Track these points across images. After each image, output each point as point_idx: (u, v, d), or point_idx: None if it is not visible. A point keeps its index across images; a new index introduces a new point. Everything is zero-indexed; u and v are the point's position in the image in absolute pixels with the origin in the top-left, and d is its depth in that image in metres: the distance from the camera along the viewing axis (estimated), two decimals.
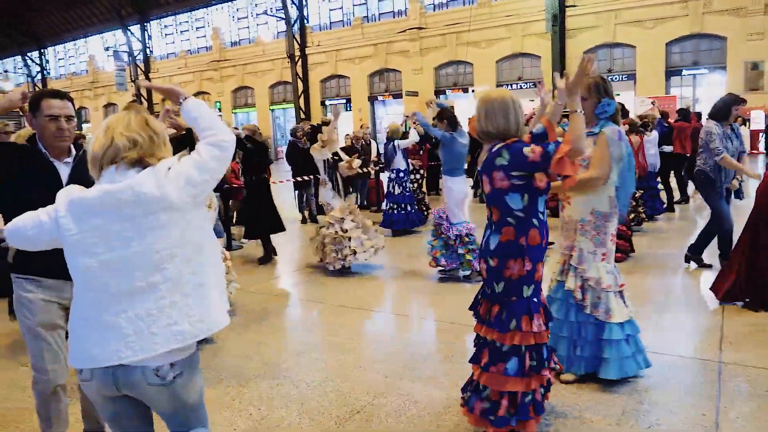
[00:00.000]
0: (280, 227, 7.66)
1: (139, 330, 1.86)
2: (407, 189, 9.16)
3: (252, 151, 7.48)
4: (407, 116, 11.94)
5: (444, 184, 6.13)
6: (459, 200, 6.00)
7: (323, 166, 6.78)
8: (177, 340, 1.88)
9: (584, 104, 3.36)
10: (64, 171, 2.68)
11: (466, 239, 5.96)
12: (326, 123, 12.14)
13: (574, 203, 3.45)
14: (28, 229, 1.97)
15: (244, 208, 7.99)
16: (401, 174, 9.18)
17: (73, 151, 2.76)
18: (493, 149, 2.70)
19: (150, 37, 37.26)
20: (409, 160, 9.33)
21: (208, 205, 4.63)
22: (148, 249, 1.86)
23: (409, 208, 9.08)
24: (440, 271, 6.21)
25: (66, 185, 2.22)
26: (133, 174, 1.88)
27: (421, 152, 9.83)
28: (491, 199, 2.75)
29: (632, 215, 7.99)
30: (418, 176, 10.03)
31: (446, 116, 6.26)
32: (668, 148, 9.99)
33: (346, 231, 6.55)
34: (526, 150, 2.58)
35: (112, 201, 1.84)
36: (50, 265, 2.43)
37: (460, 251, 5.97)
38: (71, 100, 2.73)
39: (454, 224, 6.00)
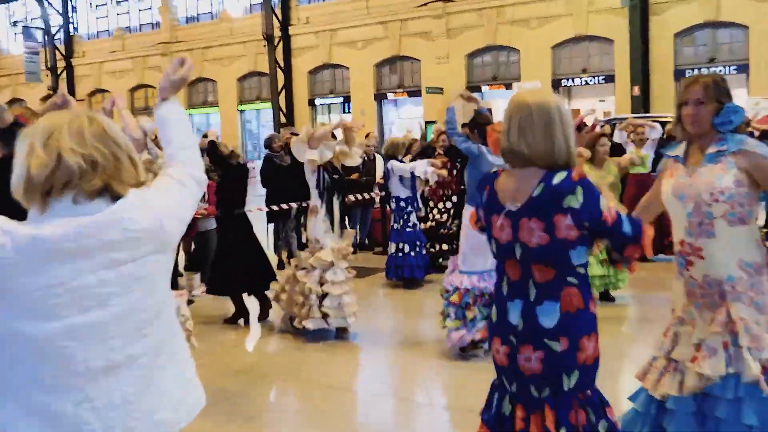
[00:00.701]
0: (269, 279, 7.73)
1: (110, 426, 1.84)
2: (409, 223, 9.28)
3: (231, 173, 7.67)
4: (426, 122, 12.06)
5: (463, 217, 6.21)
6: (477, 243, 5.74)
7: (317, 183, 6.87)
8: None
9: (698, 111, 3.26)
10: None
11: (477, 297, 5.96)
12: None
13: (710, 256, 3.28)
14: None
15: (217, 251, 8.03)
16: (401, 203, 9.38)
17: None
18: (553, 180, 2.59)
19: (75, 9, 38.16)
20: (425, 178, 9.29)
21: None
22: (135, 307, 1.89)
23: (408, 248, 9.18)
24: (460, 348, 6.17)
25: None
26: (100, 207, 1.86)
27: (454, 171, 9.88)
28: (543, 253, 2.62)
29: None
30: (448, 205, 10.10)
31: (478, 123, 6.37)
32: None
33: (325, 284, 6.66)
34: (603, 204, 2.58)
35: (93, 243, 1.82)
36: None
37: (469, 314, 5.98)
38: None
39: (463, 272, 6.06)
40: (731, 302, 3.25)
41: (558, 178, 2.57)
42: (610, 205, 2.61)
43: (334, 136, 7.40)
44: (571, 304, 2.61)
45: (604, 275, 7.35)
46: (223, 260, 7.68)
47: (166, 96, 2.34)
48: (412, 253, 9.23)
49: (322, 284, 6.71)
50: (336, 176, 7.01)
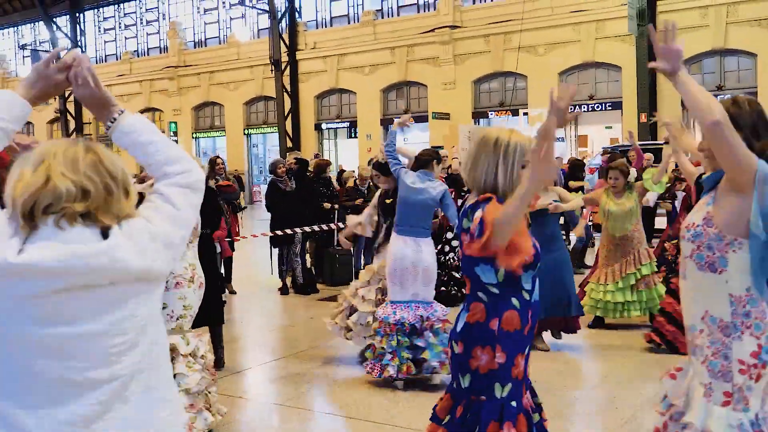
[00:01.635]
0: (220, 313, 6.85)
1: None
2: None
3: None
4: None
5: (391, 246, 6.31)
6: (392, 272, 6.15)
7: (379, 207, 6.92)
8: None
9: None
10: None
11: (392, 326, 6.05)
12: (327, 162, 12.42)
13: (683, 298, 2.98)
14: None
15: None
16: None
17: None
18: (466, 204, 2.99)
19: (83, 33, 38.63)
20: None
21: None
22: (105, 332, 1.86)
23: None
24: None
25: None
26: (83, 234, 1.84)
27: (458, 201, 9.96)
28: (462, 266, 3.06)
29: None
30: (449, 235, 10.10)
31: (420, 156, 6.49)
32: None
33: (355, 297, 6.73)
34: (477, 215, 2.83)
35: (81, 269, 1.81)
36: None
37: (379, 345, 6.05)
38: None
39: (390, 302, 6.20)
40: (690, 354, 2.92)
41: (468, 202, 3.00)
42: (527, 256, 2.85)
43: None
44: (473, 317, 2.98)
45: (631, 301, 7.43)
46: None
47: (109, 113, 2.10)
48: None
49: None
50: (389, 201, 7.03)
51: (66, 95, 37.55)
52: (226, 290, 10.40)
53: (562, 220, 9.19)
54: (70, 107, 37.93)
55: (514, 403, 2.93)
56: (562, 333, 7.15)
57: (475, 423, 2.91)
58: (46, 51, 37.39)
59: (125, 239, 1.86)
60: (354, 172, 13.47)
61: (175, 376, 4.53)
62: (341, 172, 14.09)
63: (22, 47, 40.56)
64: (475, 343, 2.94)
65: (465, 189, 9.51)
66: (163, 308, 4.35)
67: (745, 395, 2.73)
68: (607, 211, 7.64)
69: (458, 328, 3.02)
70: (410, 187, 6.14)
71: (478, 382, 2.94)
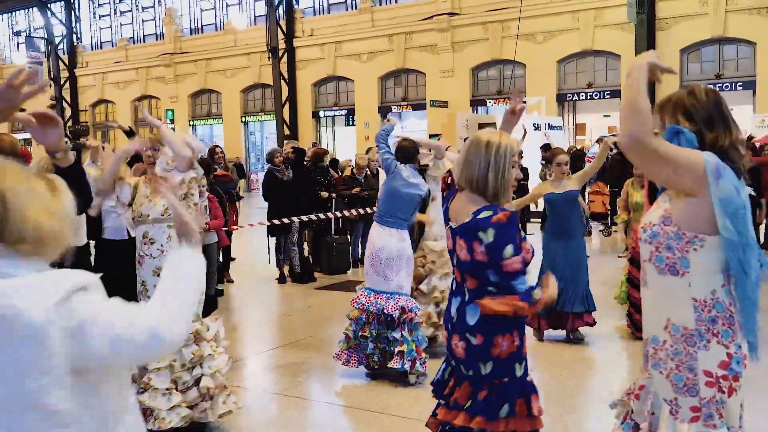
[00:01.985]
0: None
1: None
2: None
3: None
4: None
5: (371, 236, 6.39)
6: (378, 261, 6.25)
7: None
8: None
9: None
10: None
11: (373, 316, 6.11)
12: (324, 151, 12.42)
13: (644, 308, 2.75)
14: None
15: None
16: None
17: None
18: (479, 215, 3.10)
19: (78, 19, 38.46)
20: None
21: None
22: None
23: None
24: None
25: None
26: None
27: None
28: (467, 268, 3.18)
29: None
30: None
31: (402, 147, 6.51)
32: None
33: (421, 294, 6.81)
34: (508, 252, 3.02)
35: None
36: None
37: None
38: None
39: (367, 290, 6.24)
40: (650, 368, 2.67)
41: (483, 214, 3.10)
42: (525, 254, 3.07)
43: None
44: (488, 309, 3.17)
45: None
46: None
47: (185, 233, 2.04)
48: None
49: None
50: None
51: (61, 82, 37.47)
52: (224, 279, 10.46)
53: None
54: (66, 95, 37.85)
55: (529, 378, 3.27)
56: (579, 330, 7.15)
57: (502, 402, 3.15)
58: (41, 38, 37.30)
59: (32, 287, 1.69)
60: (351, 161, 13.47)
61: (202, 358, 4.69)
62: (334, 160, 14.07)
63: (17, 34, 40.38)
64: (495, 333, 3.16)
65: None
66: None
67: (717, 409, 2.50)
68: (635, 203, 7.64)
69: (472, 322, 3.18)
70: (406, 181, 6.23)
71: (500, 368, 3.17)
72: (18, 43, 40.20)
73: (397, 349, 5.90)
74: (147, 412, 4.37)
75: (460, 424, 3.18)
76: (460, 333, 3.22)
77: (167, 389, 4.48)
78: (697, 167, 2.40)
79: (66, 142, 2.56)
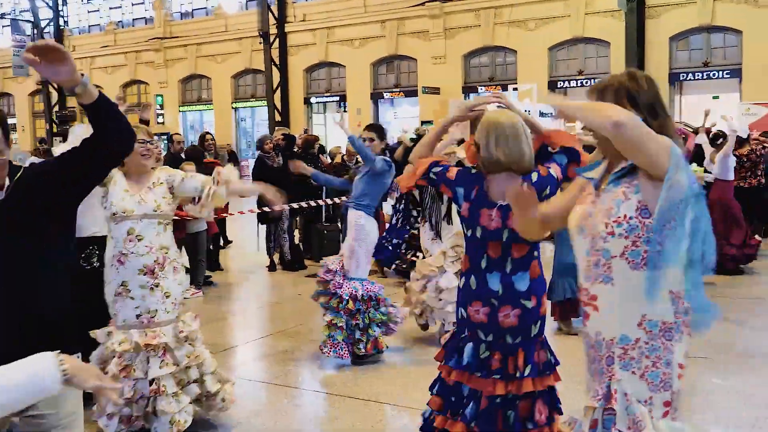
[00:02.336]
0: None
1: None
2: (406, 226, 9.36)
3: None
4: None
5: (355, 225, 6.38)
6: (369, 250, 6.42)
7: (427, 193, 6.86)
8: None
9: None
10: None
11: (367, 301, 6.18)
12: (315, 138, 12.40)
13: (606, 308, 2.53)
14: None
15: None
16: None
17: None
18: (533, 179, 3.45)
19: (65, 2, 38.08)
20: None
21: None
22: None
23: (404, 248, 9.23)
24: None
25: None
26: None
27: None
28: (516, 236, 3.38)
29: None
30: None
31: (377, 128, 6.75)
32: None
33: (442, 291, 6.56)
34: (556, 169, 3.58)
35: None
36: None
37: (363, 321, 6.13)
38: None
39: (354, 279, 6.26)
40: (618, 370, 2.49)
41: (534, 176, 3.47)
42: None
43: None
44: (535, 272, 3.54)
45: None
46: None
47: None
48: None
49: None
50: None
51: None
52: (218, 267, 10.50)
53: None
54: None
55: None
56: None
57: (551, 354, 3.61)
58: (26, 21, 36.79)
59: None
60: (341, 148, 13.49)
61: (198, 358, 4.64)
62: (321, 148, 14.08)
63: (1, 16, 39.79)
64: (542, 293, 3.58)
65: None
66: (167, 298, 4.39)
67: (677, 400, 2.48)
68: None
69: (524, 288, 3.49)
70: (389, 172, 6.39)
71: (542, 326, 3.59)
72: (3, 26, 39.63)
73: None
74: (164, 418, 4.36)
75: (527, 390, 3.44)
76: (513, 301, 3.47)
77: (175, 393, 4.44)
78: (667, 150, 2.33)
79: (82, 75, 2.34)
